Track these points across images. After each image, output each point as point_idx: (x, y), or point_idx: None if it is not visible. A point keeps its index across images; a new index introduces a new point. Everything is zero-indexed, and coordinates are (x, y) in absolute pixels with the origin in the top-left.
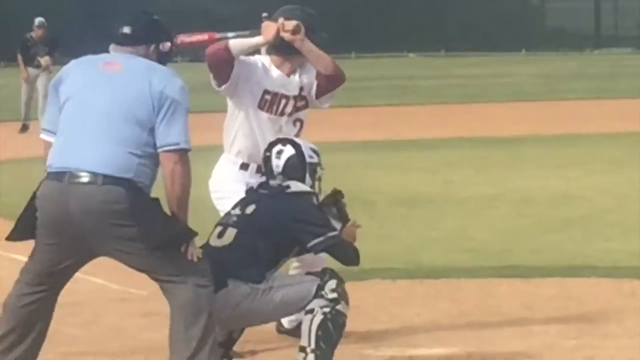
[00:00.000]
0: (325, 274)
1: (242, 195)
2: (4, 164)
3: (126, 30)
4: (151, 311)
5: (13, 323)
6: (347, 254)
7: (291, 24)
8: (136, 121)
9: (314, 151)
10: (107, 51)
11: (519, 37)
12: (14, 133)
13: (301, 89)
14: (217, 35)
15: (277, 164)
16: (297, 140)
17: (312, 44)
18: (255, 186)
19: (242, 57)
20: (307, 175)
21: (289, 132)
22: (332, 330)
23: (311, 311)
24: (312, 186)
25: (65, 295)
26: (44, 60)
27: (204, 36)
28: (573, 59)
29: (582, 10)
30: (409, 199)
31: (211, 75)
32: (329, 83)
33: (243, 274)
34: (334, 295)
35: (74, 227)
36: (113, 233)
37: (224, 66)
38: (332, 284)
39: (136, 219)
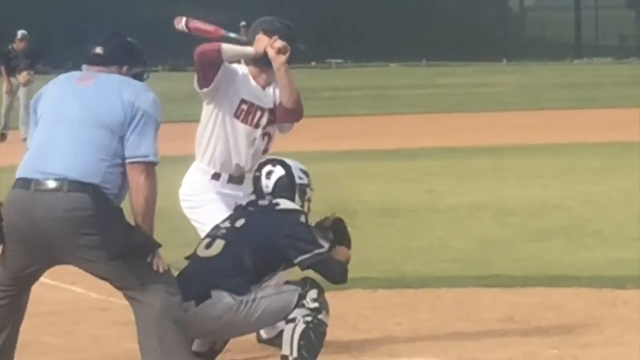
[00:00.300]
0: (306, 283)
1: (215, 205)
2: None
3: (98, 50)
4: (131, 320)
5: None
6: (334, 271)
7: (281, 43)
8: (107, 129)
9: (304, 172)
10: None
11: (500, 47)
12: None
13: (274, 103)
14: (222, 32)
15: (267, 184)
16: (287, 161)
17: (287, 72)
18: (243, 204)
19: (226, 64)
20: (297, 196)
21: (260, 145)
22: (314, 339)
23: (293, 320)
24: (302, 207)
25: (45, 305)
26: (22, 77)
27: (212, 28)
28: (554, 69)
29: (562, 20)
30: (391, 209)
31: (196, 76)
32: (286, 115)
33: (227, 284)
34: (316, 304)
35: (38, 235)
36: (76, 241)
37: (210, 68)
38: (313, 293)
39: (98, 227)
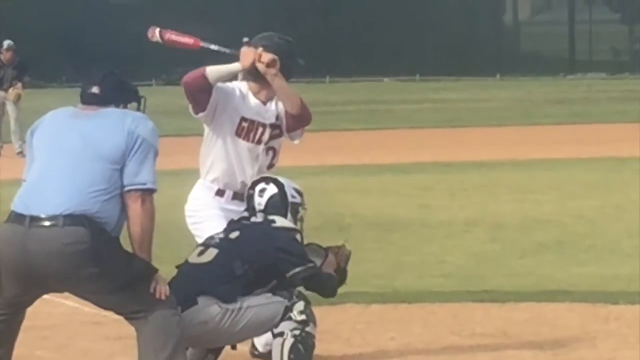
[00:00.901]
0: (293, 295)
1: (218, 221)
2: None
3: (95, 90)
4: (124, 335)
5: None
6: (325, 286)
7: (268, 57)
8: (108, 162)
9: (297, 192)
10: (81, 76)
11: (494, 62)
12: None
13: (277, 117)
14: (202, 44)
15: (260, 202)
16: (280, 179)
17: (283, 81)
18: (236, 219)
19: (220, 85)
20: (289, 215)
21: (264, 161)
22: (303, 353)
23: (281, 334)
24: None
25: (39, 319)
26: (11, 94)
27: (191, 40)
28: (548, 84)
29: (556, 35)
30: (385, 224)
31: (189, 104)
32: (295, 122)
33: (216, 291)
34: (303, 317)
35: (35, 269)
36: (76, 275)
37: (201, 94)
38: (300, 306)
39: (97, 260)
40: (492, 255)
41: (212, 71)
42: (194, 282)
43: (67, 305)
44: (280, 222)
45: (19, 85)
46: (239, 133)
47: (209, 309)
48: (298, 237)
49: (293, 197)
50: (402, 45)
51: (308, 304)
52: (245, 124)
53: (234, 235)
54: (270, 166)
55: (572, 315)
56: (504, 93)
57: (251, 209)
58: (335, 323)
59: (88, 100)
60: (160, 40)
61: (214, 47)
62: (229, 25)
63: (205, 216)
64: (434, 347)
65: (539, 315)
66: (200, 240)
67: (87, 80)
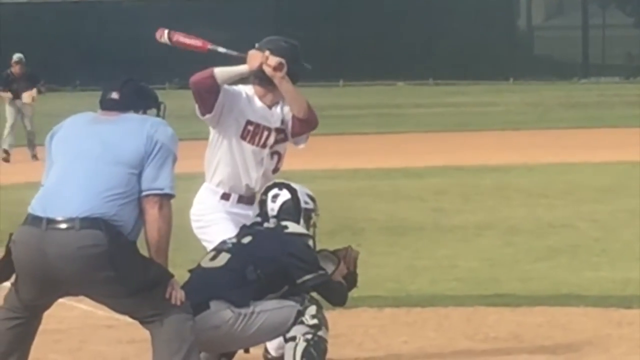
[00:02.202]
0: (305, 299)
1: (224, 224)
2: None
3: (114, 95)
4: (137, 338)
5: None
6: (336, 293)
7: (275, 60)
8: (126, 166)
9: (310, 197)
10: (95, 80)
11: (507, 66)
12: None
13: (282, 121)
14: (210, 46)
15: (273, 207)
16: (293, 185)
17: (290, 85)
18: (248, 223)
19: (226, 87)
20: (302, 221)
21: (269, 165)
22: (315, 357)
23: (293, 338)
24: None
25: (51, 322)
26: (26, 96)
27: (199, 42)
28: (561, 88)
29: (570, 39)
30: (397, 227)
31: (196, 104)
32: (301, 126)
33: (228, 296)
34: (315, 321)
35: (51, 272)
36: (92, 278)
37: (209, 94)
38: (312, 310)
39: (113, 263)
40: (505, 259)
41: (220, 72)
42: (206, 286)
43: (80, 308)
44: (292, 227)
45: (34, 90)
46: (244, 136)
47: (222, 313)
48: (310, 242)
49: (306, 202)
50: (415, 49)
51: (320, 307)
52: (250, 127)
53: (246, 239)
54: (275, 170)
55: (585, 319)
56: (517, 97)
57: (264, 214)
58: (348, 326)
59: (107, 105)
60: (168, 42)
61: (221, 50)
62: (242, 31)
63: (211, 220)
64: (447, 351)
65: (552, 319)
66: (206, 244)
67: (106, 86)
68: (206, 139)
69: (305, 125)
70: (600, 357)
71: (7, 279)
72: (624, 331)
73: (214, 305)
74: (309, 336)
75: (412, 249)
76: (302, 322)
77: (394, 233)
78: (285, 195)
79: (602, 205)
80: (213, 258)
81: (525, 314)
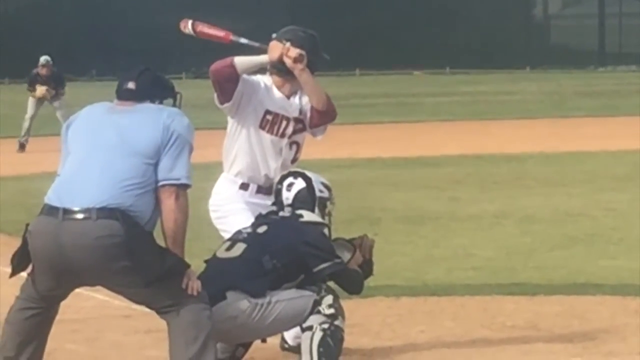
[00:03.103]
0: (321, 289)
1: (243, 214)
2: (3, 180)
3: (131, 85)
4: (154, 328)
5: (14, 334)
6: (352, 281)
7: (295, 51)
8: (143, 156)
9: (325, 186)
10: (111, 69)
11: (524, 55)
12: (14, 150)
13: (300, 111)
14: (232, 37)
15: (287, 196)
16: (308, 173)
17: (310, 76)
18: (264, 212)
19: (245, 76)
20: (317, 210)
21: (287, 155)
22: (332, 346)
23: (310, 328)
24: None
25: (68, 312)
26: (40, 91)
27: (221, 33)
28: (577, 77)
29: (586, 27)
30: (414, 216)
31: (215, 93)
32: (320, 117)
33: (244, 286)
34: (332, 310)
35: (68, 262)
36: (109, 268)
37: (228, 83)
38: (328, 299)
39: (130, 253)
40: (522, 248)
41: (240, 61)
42: (222, 277)
43: (97, 298)
44: (307, 216)
45: (51, 90)
46: (262, 125)
47: (238, 304)
48: (325, 231)
49: (321, 191)
50: (432, 38)
51: (337, 297)
52: (269, 117)
53: (262, 229)
54: (294, 160)
55: (602, 308)
56: (533, 85)
57: (279, 203)
58: (365, 316)
59: (124, 95)
60: (192, 32)
61: (243, 41)
62: (258, 19)
63: (229, 210)
64: (464, 339)
65: (569, 308)
66: (225, 235)
67: (123, 75)
68: (223, 128)
69: (324, 116)
70: (617, 345)
71: (23, 269)
72: None
73: (230, 295)
74: (326, 325)
75: (428, 238)
76: (318, 312)
77: (410, 222)
78: (300, 183)
79: (619, 194)
80: (229, 248)
81: (542, 302)
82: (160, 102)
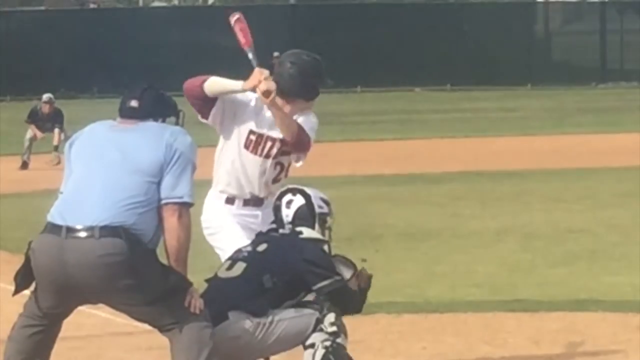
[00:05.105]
0: (324, 307)
1: (232, 227)
2: (5, 197)
3: (134, 104)
4: (156, 345)
5: (17, 351)
6: (351, 300)
7: (266, 85)
8: (146, 175)
9: (324, 201)
10: (112, 87)
11: (525, 72)
12: (16, 168)
13: None
14: (246, 48)
15: (287, 213)
16: (307, 190)
17: (279, 110)
18: (264, 231)
19: (233, 96)
20: (317, 226)
21: (271, 175)
22: None
23: (312, 346)
24: (322, 236)
25: (71, 329)
26: (57, 139)
27: (244, 39)
28: (579, 93)
29: (587, 44)
30: (415, 233)
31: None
32: (292, 147)
33: (246, 305)
34: (334, 328)
35: (71, 280)
36: (112, 286)
37: (200, 102)
38: (330, 317)
39: (133, 271)
40: (524, 265)
41: (212, 83)
42: (223, 297)
43: (98, 315)
44: (307, 233)
45: (60, 133)
46: (246, 145)
47: (241, 324)
48: (325, 247)
49: (320, 207)
50: (433, 55)
51: (339, 315)
52: (252, 137)
53: (262, 247)
54: (276, 180)
55: (603, 324)
56: (535, 102)
57: (279, 221)
58: (367, 333)
59: (127, 113)
60: (232, 24)
61: (250, 55)
62: (260, 36)
63: (219, 226)
64: (466, 356)
65: (571, 324)
66: (218, 251)
67: (126, 93)
68: (212, 145)
69: (295, 147)
70: None
71: (26, 287)
72: None
73: (232, 315)
74: (328, 343)
75: (430, 254)
76: (321, 330)
77: (412, 239)
78: (299, 200)
79: (621, 210)
80: (229, 267)
81: (544, 319)
82: (163, 121)
